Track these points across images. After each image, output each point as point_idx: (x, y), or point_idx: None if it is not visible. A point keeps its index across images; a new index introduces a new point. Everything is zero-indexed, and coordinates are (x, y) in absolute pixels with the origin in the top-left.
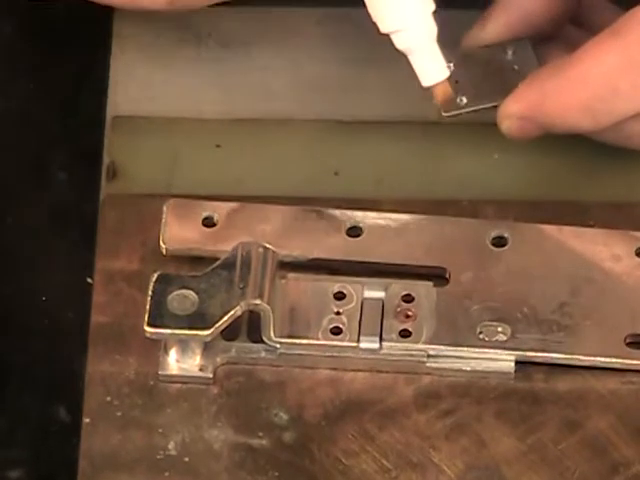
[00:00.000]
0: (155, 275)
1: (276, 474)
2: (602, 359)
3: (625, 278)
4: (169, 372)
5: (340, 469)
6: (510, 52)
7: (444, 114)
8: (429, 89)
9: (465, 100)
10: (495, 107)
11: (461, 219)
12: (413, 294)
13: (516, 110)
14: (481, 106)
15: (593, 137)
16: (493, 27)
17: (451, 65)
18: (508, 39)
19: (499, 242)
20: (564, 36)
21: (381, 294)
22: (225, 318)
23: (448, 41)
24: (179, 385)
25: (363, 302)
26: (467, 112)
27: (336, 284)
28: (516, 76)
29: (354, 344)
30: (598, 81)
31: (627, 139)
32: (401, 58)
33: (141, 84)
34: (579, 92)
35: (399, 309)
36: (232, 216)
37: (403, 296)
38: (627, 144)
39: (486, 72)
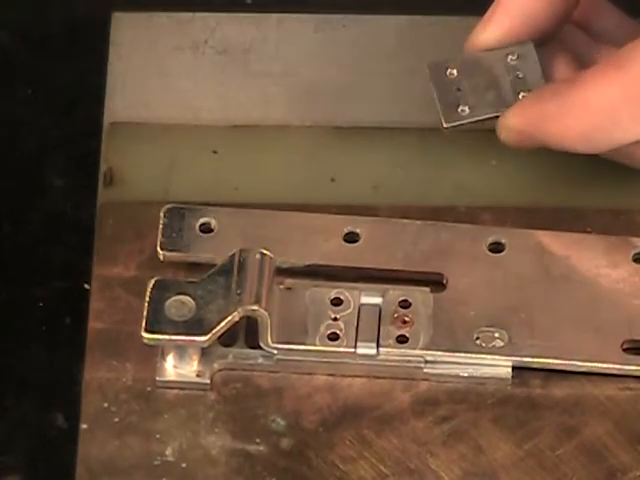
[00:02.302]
0: (152, 281)
1: None
2: (599, 365)
3: (622, 284)
4: (166, 378)
5: (337, 475)
6: (513, 58)
7: (445, 125)
8: None
9: (467, 110)
10: (497, 117)
11: (458, 225)
12: (410, 300)
13: (515, 124)
14: (483, 117)
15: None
16: (494, 30)
17: (454, 72)
18: (510, 42)
19: (496, 248)
20: (568, 39)
21: (378, 300)
22: (222, 324)
23: (450, 48)
24: (176, 391)
25: (360, 308)
26: (468, 123)
27: (333, 290)
28: (519, 83)
29: (351, 350)
30: (599, 112)
31: (623, 157)
32: (398, 64)
33: (138, 90)
34: (579, 120)
35: (396, 315)
36: (229, 222)
37: (400, 302)
38: (623, 161)
39: (489, 79)
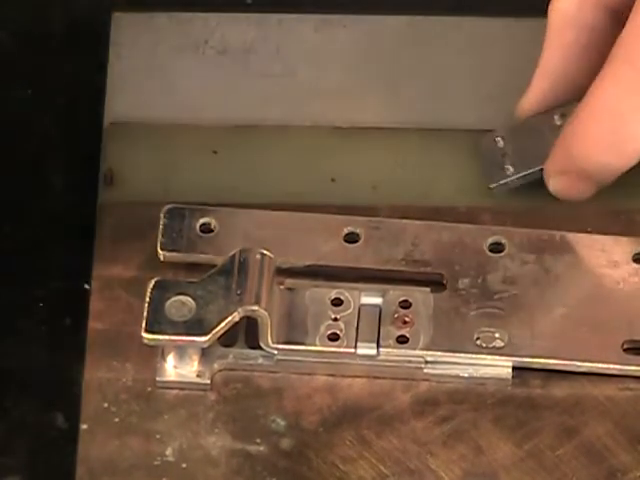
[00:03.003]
0: (152, 281)
1: None
2: (599, 365)
3: (622, 284)
4: (166, 378)
5: (337, 475)
6: (557, 117)
7: (491, 186)
8: None
9: (512, 169)
10: (541, 170)
11: (458, 225)
12: (410, 300)
13: (551, 164)
14: (527, 171)
15: None
16: (530, 99)
17: (499, 139)
18: (554, 104)
19: (496, 248)
20: None
21: (378, 300)
22: (222, 324)
23: (449, 48)
24: (176, 391)
25: (360, 308)
26: (514, 179)
27: (333, 290)
28: None
29: (351, 350)
30: (603, 113)
31: None
32: (398, 64)
33: (138, 90)
34: (591, 128)
35: (396, 315)
36: (229, 222)
37: (400, 302)
38: None
39: (534, 139)
